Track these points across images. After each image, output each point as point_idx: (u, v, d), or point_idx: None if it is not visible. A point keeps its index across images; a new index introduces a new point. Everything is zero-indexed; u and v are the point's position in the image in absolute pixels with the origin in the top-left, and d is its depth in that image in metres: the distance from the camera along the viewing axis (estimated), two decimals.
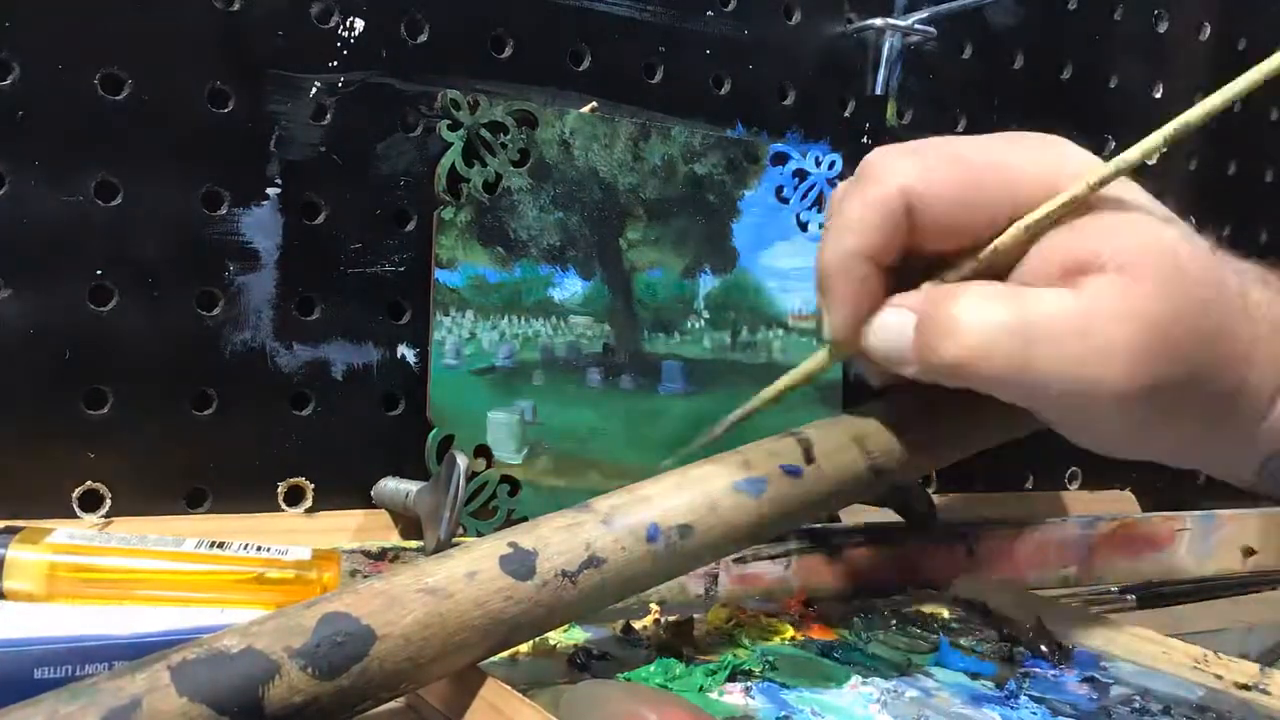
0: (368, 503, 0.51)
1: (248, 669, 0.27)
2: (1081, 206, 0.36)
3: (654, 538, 0.36)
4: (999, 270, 0.37)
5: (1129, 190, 0.37)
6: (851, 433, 0.41)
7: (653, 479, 0.38)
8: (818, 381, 0.60)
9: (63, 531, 0.35)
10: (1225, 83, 0.35)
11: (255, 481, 0.49)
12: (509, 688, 0.35)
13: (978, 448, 0.45)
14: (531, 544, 0.34)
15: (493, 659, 0.43)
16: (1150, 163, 0.36)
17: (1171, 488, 0.76)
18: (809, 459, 0.39)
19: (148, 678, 0.26)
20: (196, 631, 0.33)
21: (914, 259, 0.38)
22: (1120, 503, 0.73)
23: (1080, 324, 0.34)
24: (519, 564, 0.33)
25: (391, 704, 0.39)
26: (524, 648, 0.44)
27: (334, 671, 0.29)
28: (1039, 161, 0.37)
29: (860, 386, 0.64)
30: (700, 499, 0.37)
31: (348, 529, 0.50)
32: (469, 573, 0.32)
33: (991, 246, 0.37)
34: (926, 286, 0.38)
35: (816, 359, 0.41)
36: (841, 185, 0.40)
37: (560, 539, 0.35)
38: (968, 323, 0.35)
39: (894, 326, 0.38)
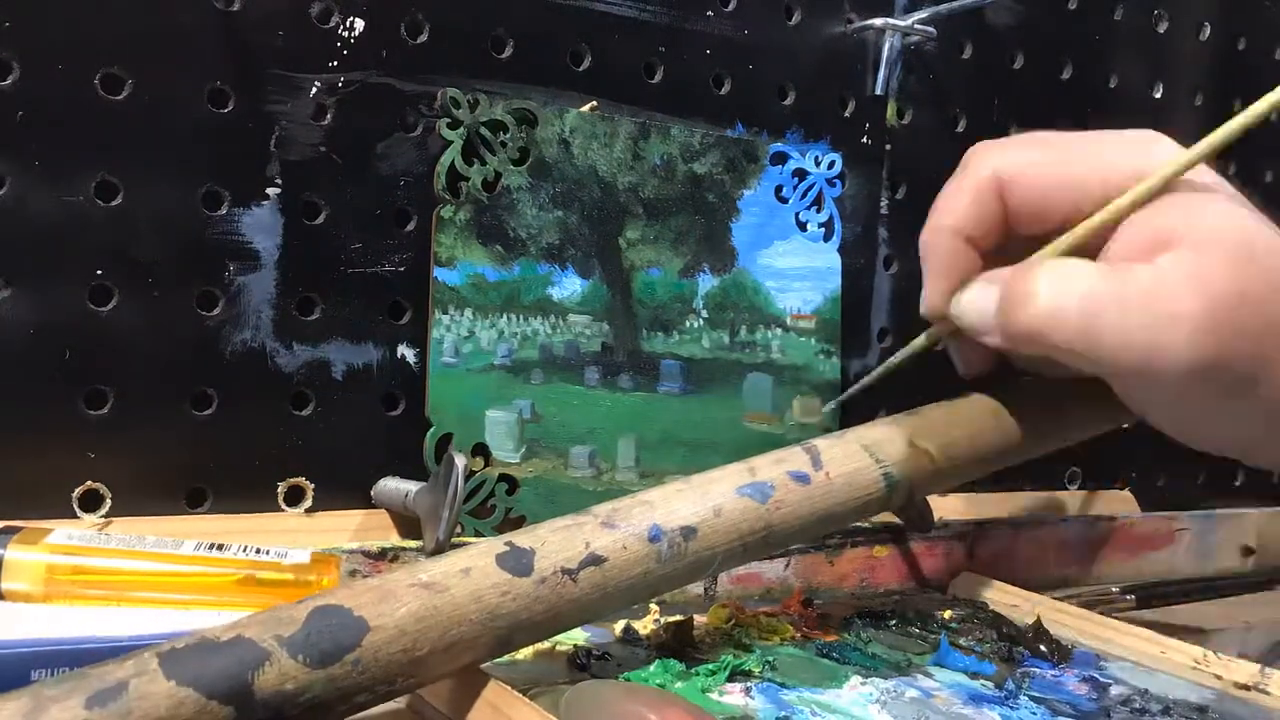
0: (368, 503, 0.51)
1: (236, 655, 0.28)
2: (1166, 190, 0.38)
3: (657, 538, 0.36)
4: (1088, 250, 0.39)
5: (1210, 177, 0.39)
6: (862, 442, 0.41)
7: (657, 488, 0.38)
8: (814, 380, 0.61)
9: (61, 532, 0.35)
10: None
11: (255, 481, 0.49)
12: (510, 688, 0.35)
13: (992, 468, 0.45)
14: (529, 543, 0.34)
15: (494, 660, 0.43)
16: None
17: (1172, 488, 0.76)
18: (817, 465, 0.39)
19: (135, 663, 0.27)
20: None
21: (1014, 243, 0.41)
22: (1120, 503, 0.73)
23: (1148, 295, 0.36)
24: (516, 561, 0.33)
25: (393, 704, 0.39)
26: (525, 650, 0.44)
27: (325, 660, 0.29)
28: (1127, 150, 0.39)
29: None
30: (704, 503, 0.37)
31: (348, 529, 0.50)
32: (464, 569, 0.33)
33: (1080, 226, 0.39)
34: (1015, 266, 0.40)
35: (920, 338, 0.45)
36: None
37: (559, 539, 0.35)
38: (1044, 293, 0.38)
39: (979, 297, 0.41)
